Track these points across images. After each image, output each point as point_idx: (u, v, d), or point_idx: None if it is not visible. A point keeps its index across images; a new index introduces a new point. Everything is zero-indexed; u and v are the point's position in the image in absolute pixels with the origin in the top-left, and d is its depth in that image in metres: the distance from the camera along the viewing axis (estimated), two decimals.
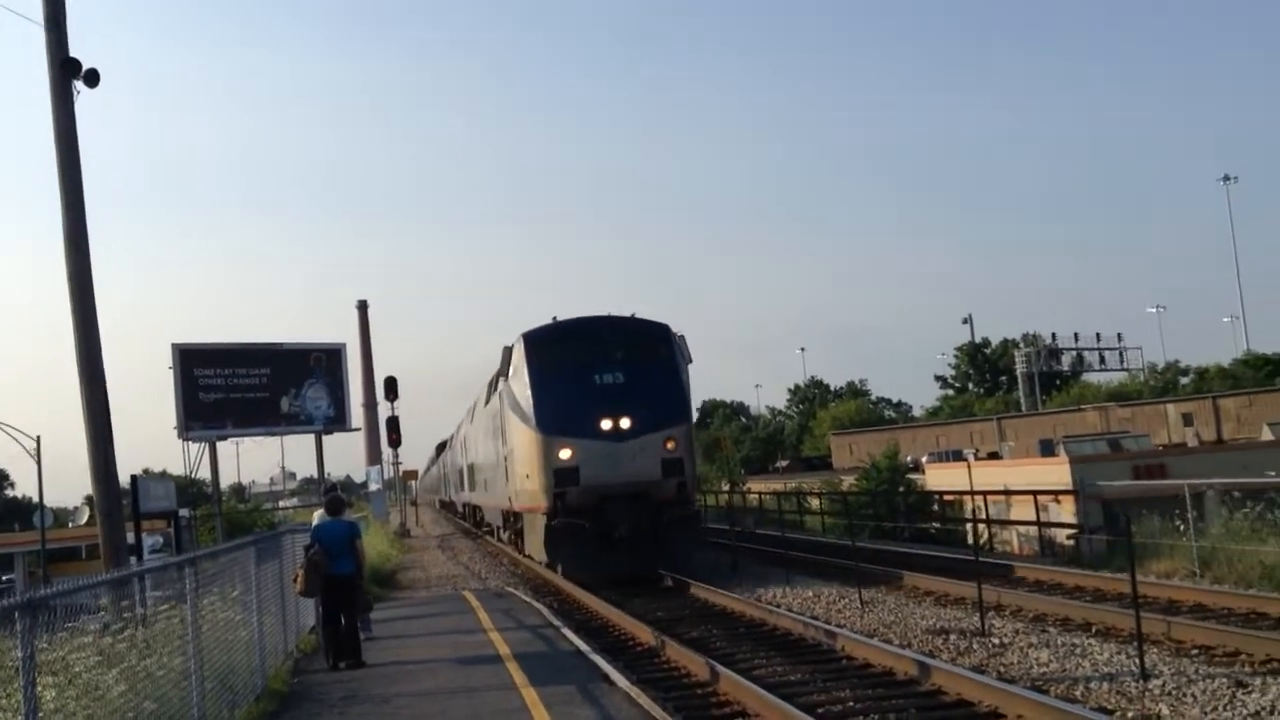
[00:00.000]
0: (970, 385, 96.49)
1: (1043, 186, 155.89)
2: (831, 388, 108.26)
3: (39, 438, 41.28)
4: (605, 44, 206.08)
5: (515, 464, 21.63)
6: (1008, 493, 27.28)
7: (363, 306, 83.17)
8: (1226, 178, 79.82)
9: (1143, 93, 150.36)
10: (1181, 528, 16.70)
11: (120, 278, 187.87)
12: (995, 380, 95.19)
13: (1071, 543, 22.40)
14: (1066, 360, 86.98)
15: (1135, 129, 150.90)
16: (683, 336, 21.28)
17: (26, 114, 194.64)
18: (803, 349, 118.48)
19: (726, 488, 48.56)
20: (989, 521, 25.73)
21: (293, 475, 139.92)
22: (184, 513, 30.88)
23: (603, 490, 19.27)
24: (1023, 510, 26.05)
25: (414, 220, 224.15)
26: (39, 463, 41.31)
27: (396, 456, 49.73)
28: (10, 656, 5.81)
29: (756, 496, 42.82)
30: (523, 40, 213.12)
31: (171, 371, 31.60)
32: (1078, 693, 9.65)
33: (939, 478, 41.63)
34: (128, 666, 7.36)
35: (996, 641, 12.11)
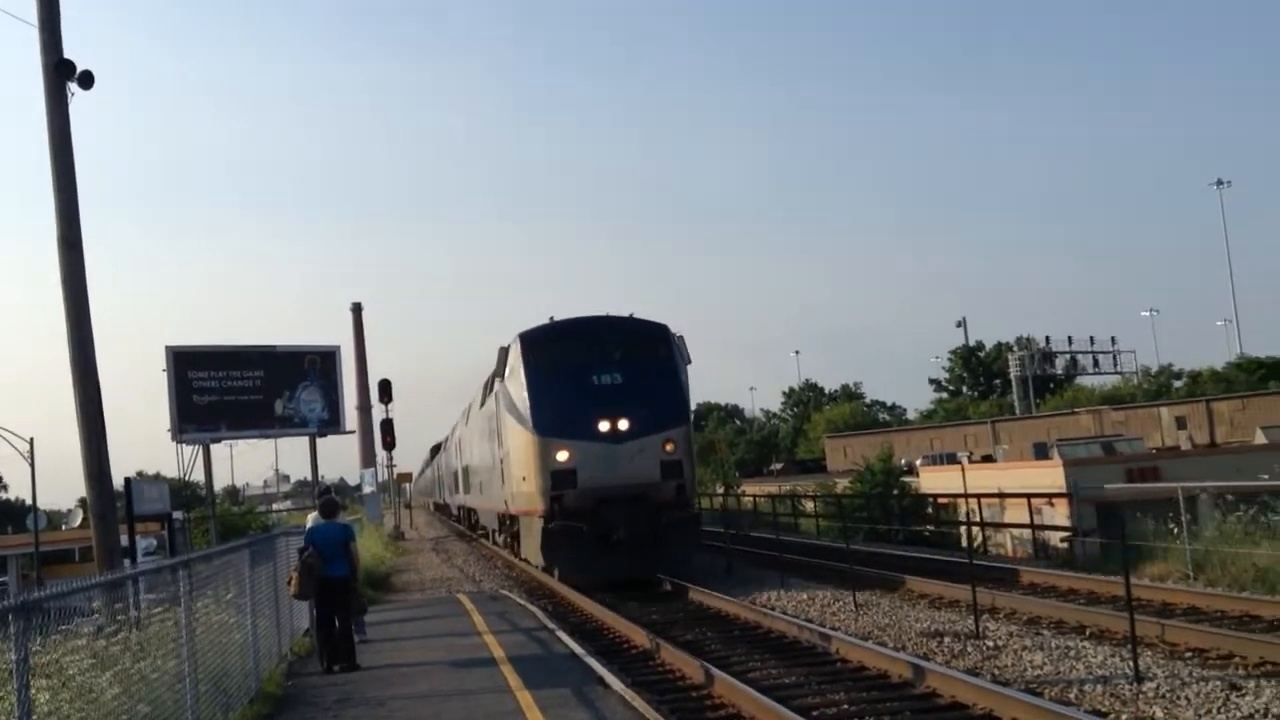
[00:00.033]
0: (964, 388, 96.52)
1: (1037, 189, 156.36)
2: (826, 391, 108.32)
3: (32, 439, 41.18)
4: (601, 44, 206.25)
5: (511, 466, 21.36)
6: (1002, 495, 27.32)
7: (357, 309, 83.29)
8: (1219, 182, 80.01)
9: (1139, 96, 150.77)
10: (1175, 531, 16.74)
11: (114, 279, 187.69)
12: (989, 383, 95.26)
13: (1065, 545, 22.45)
14: (1060, 364, 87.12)
15: (1130, 133, 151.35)
16: (681, 337, 21.06)
17: (21, 115, 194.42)
18: (797, 352, 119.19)
19: (721, 490, 48.55)
20: (983, 524, 25.77)
21: (286, 478, 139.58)
22: (178, 515, 30.77)
23: (601, 493, 19.01)
24: (1017, 513, 26.09)
25: (409, 222, 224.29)
26: (32, 465, 41.21)
27: (391, 459, 49.82)
28: (4, 659, 5.80)
29: (751, 499, 42.84)
30: (521, 40, 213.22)
31: (165, 373, 31.59)
32: (1072, 695, 9.67)
33: (933, 481, 41.71)
34: (122, 669, 7.35)
35: (991, 644, 12.13)
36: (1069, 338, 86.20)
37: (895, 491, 39.23)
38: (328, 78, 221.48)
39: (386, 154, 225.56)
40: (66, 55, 14.82)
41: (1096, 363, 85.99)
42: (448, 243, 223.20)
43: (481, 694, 10.73)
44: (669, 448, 19.36)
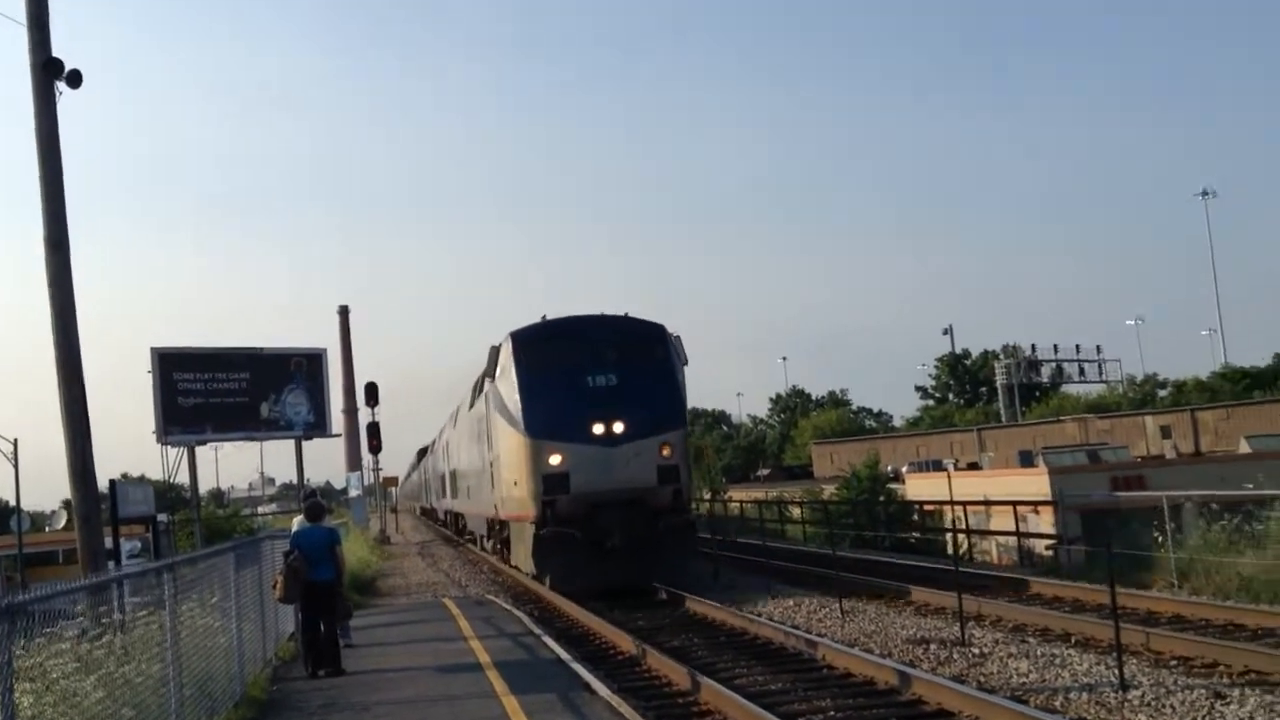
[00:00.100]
0: (950, 396, 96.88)
1: (1026, 197, 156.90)
2: (813, 397, 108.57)
3: (16, 440, 40.94)
4: (599, 44, 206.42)
5: (502, 470, 20.82)
6: (987, 503, 27.40)
7: (344, 311, 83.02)
8: (1205, 192, 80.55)
9: (1127, 107, 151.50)
10: (1160, 539, 16.80)
11: (101, 279, 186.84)
12: (975, 391, 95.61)
13: (1050, 553, 22.51)
14: (1046, 372, 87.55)
15: (1118, 143, 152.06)
16: (678, 336, 20.52)
17: (6, 114, 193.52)
18: (784, 358, 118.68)
19: (708, 496, 48.56)
20: (969, 531, 25.82)
21: (272, 481, 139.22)
22: (162, 518, 30.67)
23: (594, 498, 18.44)
24: (1002, 520, 26.17)
25: (398, 223, 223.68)
26: (16, 466, 40.96)
27: (377, 463, 49.62)
28: None
29: (738, 505, 42.83)
30: (515, 41, 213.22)
31: (151, 375, 31.45)
32: (1057, 703, 9.69)
33: (919, 488, 41.77)
34: (106, 673, 7.31)
35: (976, 651, 12.14)
36: (1055, 346, 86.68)
37: (881, 498, 39.28)
38: (317, 75, 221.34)
39: (376, 153, 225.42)
40: (55, 53, 14.75)
41: (1082, 371, 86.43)
42: (437, 244, 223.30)
43: (467, 699, 10.71)
44: (665, 451, 18.84)
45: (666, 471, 18.78)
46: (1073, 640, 12.49)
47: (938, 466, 54.89)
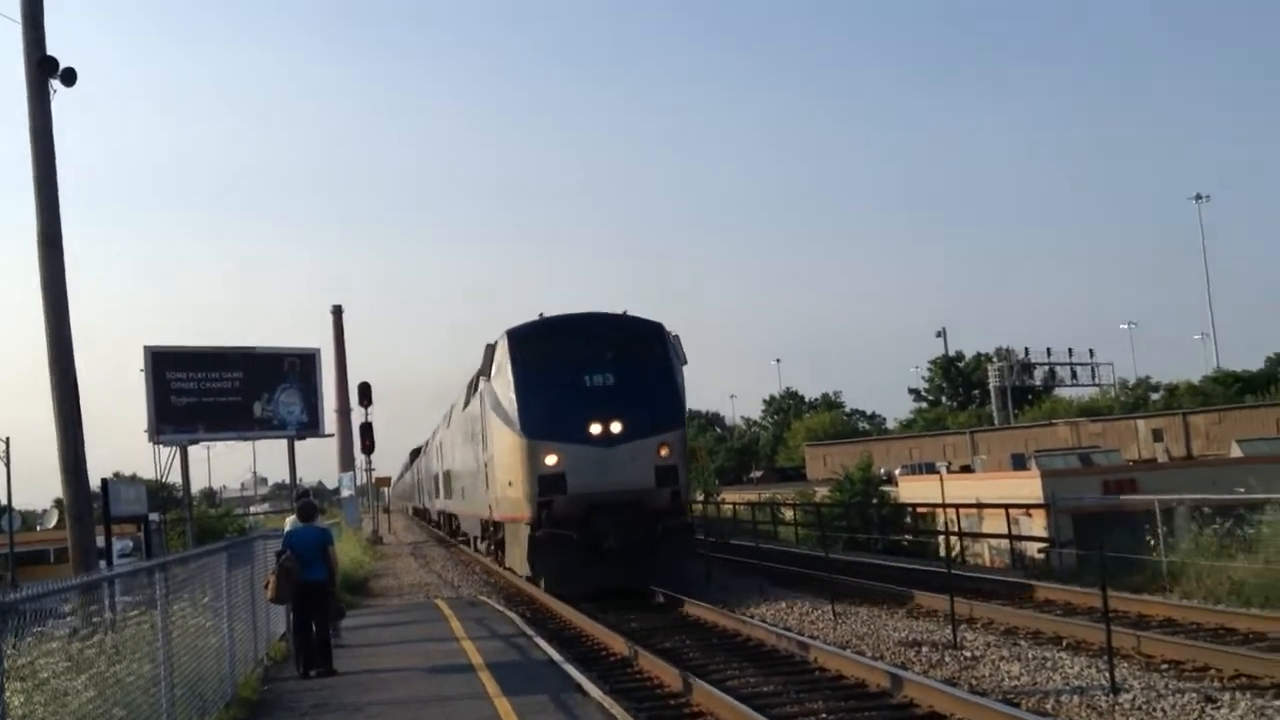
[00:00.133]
0: (944, 399, 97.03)
1: (1020, 201, 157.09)
2: (806, 399, 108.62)
3: (8, 439, 40.91)
4: (592, 46, 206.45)
5: (496, 470, 20.43)
6: (980, 506, 27.45)
7: (337, 311, 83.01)
8: (1199, 196, 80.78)
9: (1122, 110, 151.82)
10: (1152, 543, 16.82)
11: (93, 278, 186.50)
12: (968, 394, 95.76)
13: (1042, 556, 22.55)
14: (1039, 375, 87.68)
15: (1112, 146, 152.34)
16: (677, 336, 20.16)
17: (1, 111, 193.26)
18: (778, 360, 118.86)
19: (701, 498, 48.60)
20: (961, 534, 25.86)
21: (264, 480, 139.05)
22: (154, 517, 30.61)
23: (591, 499, 18.08)
24: (994, 523, 26.22)
25: (393, 224, 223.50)
26: (8, 465, 40.93)
27: (370, 463, 49.68)
28: None
29: (731, 507, 42.88)
30: (510, 42, 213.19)
31: (143, 374, 31.39)
32: (1049, 706, 9.70)
33: (912, 490, 41.90)
34: (97, 672, 7.30)
35: (968, 654, 12.16)
36: (1048, 349, 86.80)
37: (874, 501, 39.41)
38: (314, 74, 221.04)
39: (366, 156, 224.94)
40: (50, 52, 14.74)
41: (1075, 374, 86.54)
42: (431, 245, 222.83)
43: (459, 700, 10.70)
44: (664, 452, 18.53)
45: (664, 473, 18.49)
46: (1064, 643, 12.50)
47: (930, 469, 55.01)
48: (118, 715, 7.34)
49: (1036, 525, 27.42)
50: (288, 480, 39.03)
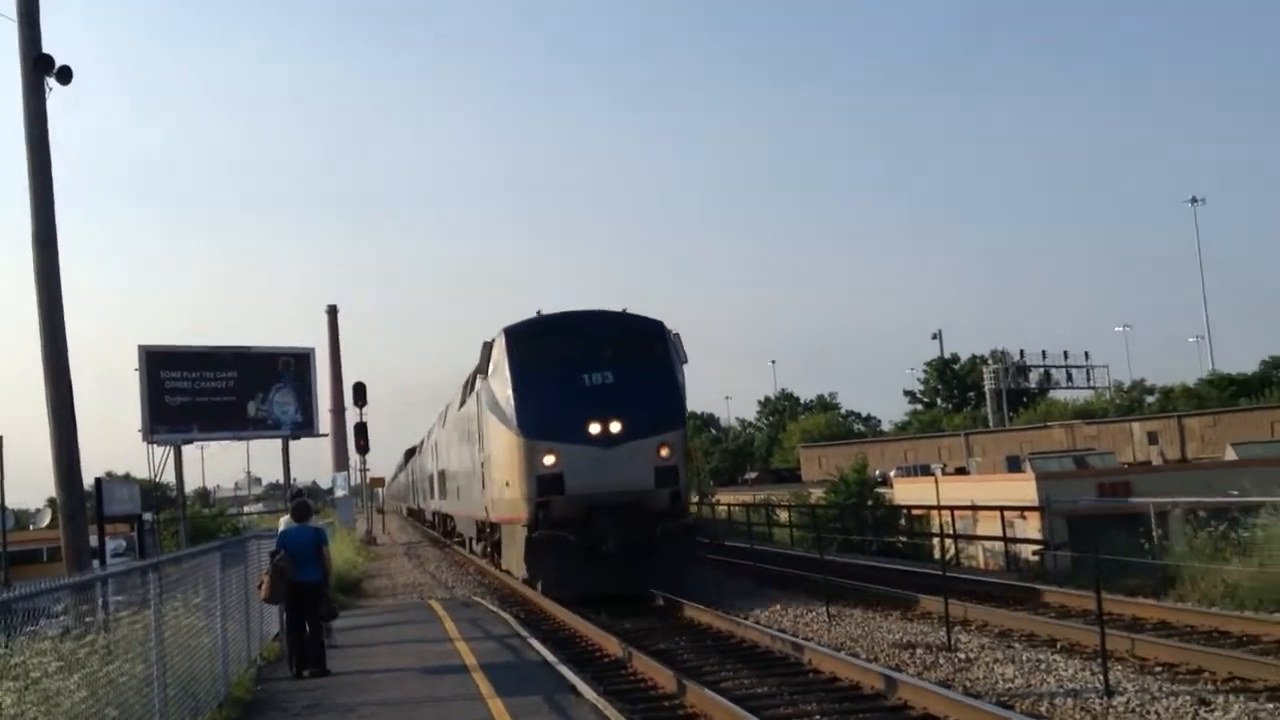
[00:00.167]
0: (939, 401, 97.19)
1: (1017, 203, 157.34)
2: (802, 400, 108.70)
3: (1, 437, 40.74)
4: (577, 49, 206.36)
5: (493, 470, 20.14)
6: (974, 508, 27.45)
7: (332, 311, 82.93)
8: (1194, 199, 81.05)
9: (1119, 112, 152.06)
10: (1146, 546, 16.84)
11: (88, 277, 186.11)
12: (964, 396, 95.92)
13: (1036, 559, 22.55)
14: (1034, 377, 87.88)
15: (1109, 149, 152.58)
16: (677, 334, 19.73)
17: None
18: (774, 361, 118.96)
19: (696, 499, 48.60)
20: (955, 536, 25.86)
21: (258, 480, 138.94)
22: (147, 516, 30.57)
23: (590, 500, 17.70)
24: (989, 525, 26.21)
25: (390, 224, 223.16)
26: (0, 464, 40.76)
27: (364, 463, 49.57)
28: None
29: (725, 508, 42.87)
30: (510, 39, 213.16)
31: (137, 373, 31.35)
32: (1043, 708, 9.70)
33: (907, 492, 41.90)
34: (89, 672, 7.27)
35: (963, 656, 12.16)
36: (1043, 352, 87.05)
37: (869, 502, 39.41)
38: (311, 73, 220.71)
39: (360, 155, 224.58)
40: (47, 49, 14.72)
41: (1070, 377, 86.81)
42: (426, 246, 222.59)
43: (453, 701, 10.69)
44: (664, 452, 18.15)
45: (665, 473, 18.14)
46: (1059, 646, 12.51)
47: (925, 471, 55.05)
48: (111, 715, 7.31)
49: (1031, 528, 27.40)
50: (282, 480, 39.00)
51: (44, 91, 14.65)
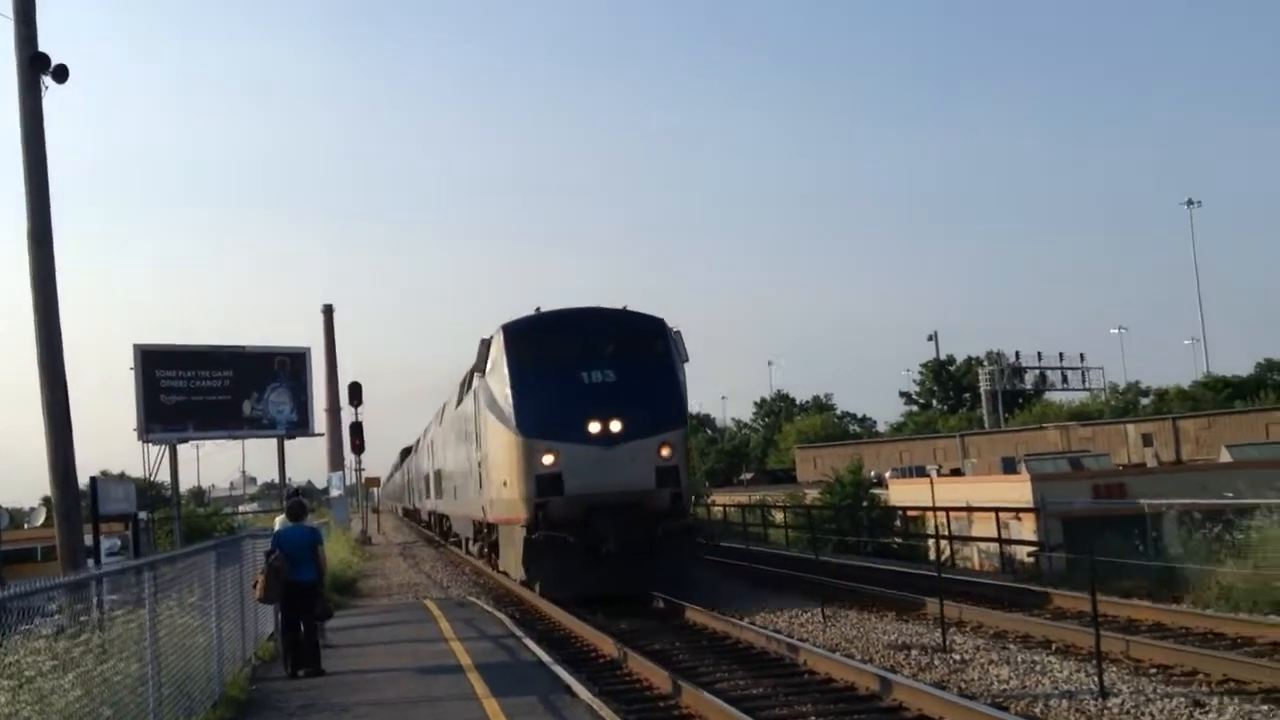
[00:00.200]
0: (934, 402, 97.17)
1: (1012, 205, 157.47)
2: (797, 401, 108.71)
3: None
4: (576, 46, 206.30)
5: (491, 470, 19.82)
6: (970, 509, 27.46)
7: (328, 310, 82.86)
8: (1190, 201, 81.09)
9: (1114, 115, 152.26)
10: (1141, 547, 16.87)
11: (84, 275, 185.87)
12: (959, 397, 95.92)
13: (1032, 560, 22.58)
14: (1029, 379, 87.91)
15: (1104, 151, 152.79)
16: (678, 332, 19.39)
17: None
18: (771, 362, 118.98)
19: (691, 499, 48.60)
20: (951, 538, 25.90)
21: (253, 480, 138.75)
22: (142, 516, 30.54)
23: (589, 500, 17.43)
24: (984, 527, 26.25)
25: (386, 223, 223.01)
26: None
27: (359, 462, 49.54)
28: None
29: (721, 509, 42.89)
30: (510, 39, 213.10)
31: (133, 372, 31.32)
32: (1038, 710, 9.72)
33: (902, 493, 41.95)
34: (84, 671, 7.26)
35: (957, 657, 12.17)
36: (1038, 353, 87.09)
37: (864, 503, 39.40)
38: (309, 73, 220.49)
39: (371, 152, 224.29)
40: (48, 47, 14.74)
41: (1065, 379, 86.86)
42: (427, 244, 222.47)
43: (448, 701, 10.69)
44: (665, 452, 17.88)
45: (666, 473, 17.87)
46: (1053, 647, 12.53)
47: (921, 472, 55.09)
48: (105, 714, 7.30)
49: (1026, 529, 27.44)
50: (277, 479, 38.96)
51: (40, 90, 14.64)
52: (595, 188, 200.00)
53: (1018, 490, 31.68)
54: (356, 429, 43.64)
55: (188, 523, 37.06)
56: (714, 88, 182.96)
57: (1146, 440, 59.56)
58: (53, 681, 6.75)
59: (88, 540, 16.50)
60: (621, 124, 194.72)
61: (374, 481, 65.43)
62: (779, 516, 38.55)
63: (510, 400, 18.27)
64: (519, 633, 15.07)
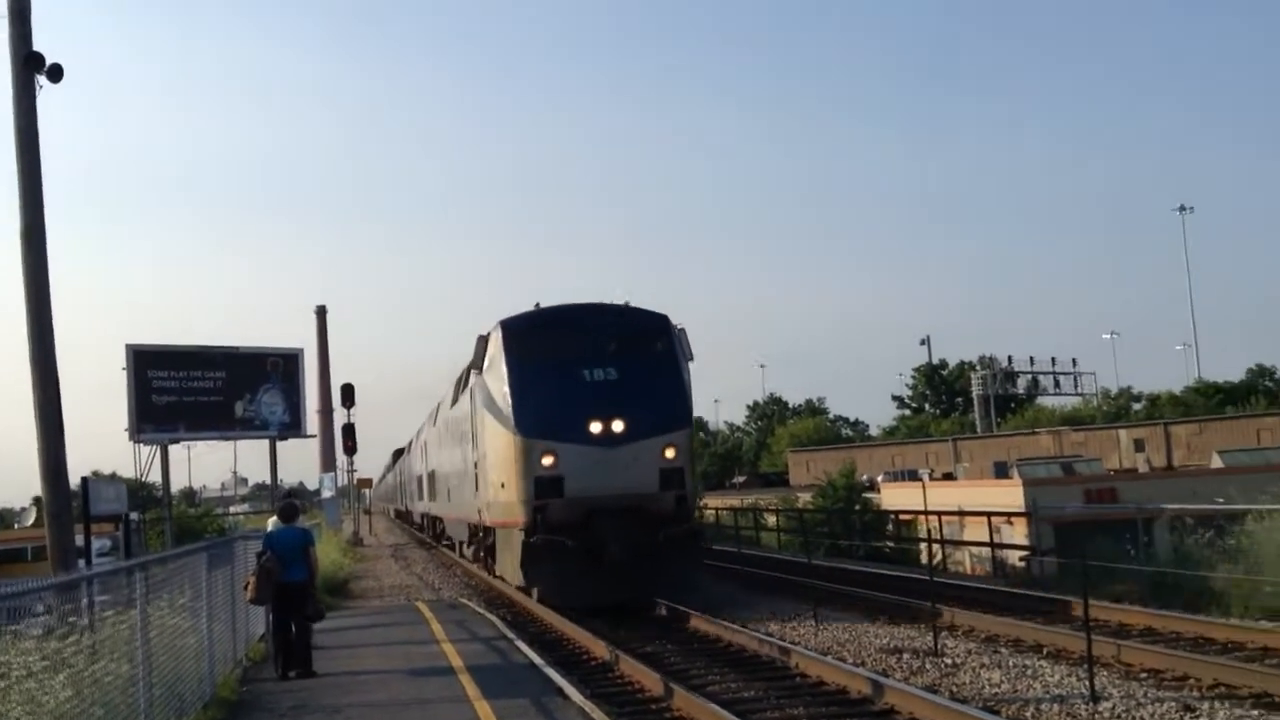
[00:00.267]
0: (927, 406, 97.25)
1: (1006, 210, 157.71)
2: (790, 405, 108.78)
3: None
4: (576, 45, 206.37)
5: (488, 471, 19.12)
6: (962, 513, 27.54)
7: (321, 312, 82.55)
8: (1182, 207, 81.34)
9: (1108, 120, 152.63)
10: (1132, 552, 16.91)
11: (76, 275, 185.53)
12: (951, 401, 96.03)
13: (1023, 564, 22.62)
14: (1022, 384, 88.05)
15: (1098, 156, 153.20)
16: (683, 329, 18.79)
17: None
18: (763, 365, 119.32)
19: None
20: (943, 542, 25.92)
21: (244, 481, 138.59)
22: (133, 516, 30.48)
23: (590, 503, 16.87)
24: (976, 531, 26.30)
25: (383, 224, 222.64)
26: None
27: (351, 464, 49.49)
28: None
29: (713, 512, 42.87)
30: (510, 38, 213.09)
31: (125, 372, 31.27)
32: (1029, 714, 9.73)
33: (894, 497, 42.01)
34: (75, 671, 7.24)
35: (949, 661, 12.19)
36: (1031, 358, 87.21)
37: (857, 507, 39.47)
38: (307, 72, 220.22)
39: (370, 152, 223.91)
40: (48, 46, 14.71)
41: (1057, 384, 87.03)
42: (422, 244, 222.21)
43: (439, 703, 10.68)
44: (669, 453, 17.31)
45: (670, 475, 17.30)
46: (1045, 651, 12.55)
47: (913, 476, 55.16)
48: (96, 715, 7.29)
49: (1018, 533, 27.48)
50: (268, 481, 38.89)
51: (34, 89, 14.63)
52: (595, 188, 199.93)
53: (1010, 494, 31.76)
54: (348, 430, 43.61)
55: (179, 524, 36.98)
56: (714, 88, 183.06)
57: (1138, 445, 59.70)
58: (41, 680, 6.72)
59: (79, 541, 16.47)
60: (621, 124, 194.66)
61: (366, 483, 65.37)
62: (771, 520, 38.55)
63: (509, 399, 17.71)
64: (510, 635, 15.06)
